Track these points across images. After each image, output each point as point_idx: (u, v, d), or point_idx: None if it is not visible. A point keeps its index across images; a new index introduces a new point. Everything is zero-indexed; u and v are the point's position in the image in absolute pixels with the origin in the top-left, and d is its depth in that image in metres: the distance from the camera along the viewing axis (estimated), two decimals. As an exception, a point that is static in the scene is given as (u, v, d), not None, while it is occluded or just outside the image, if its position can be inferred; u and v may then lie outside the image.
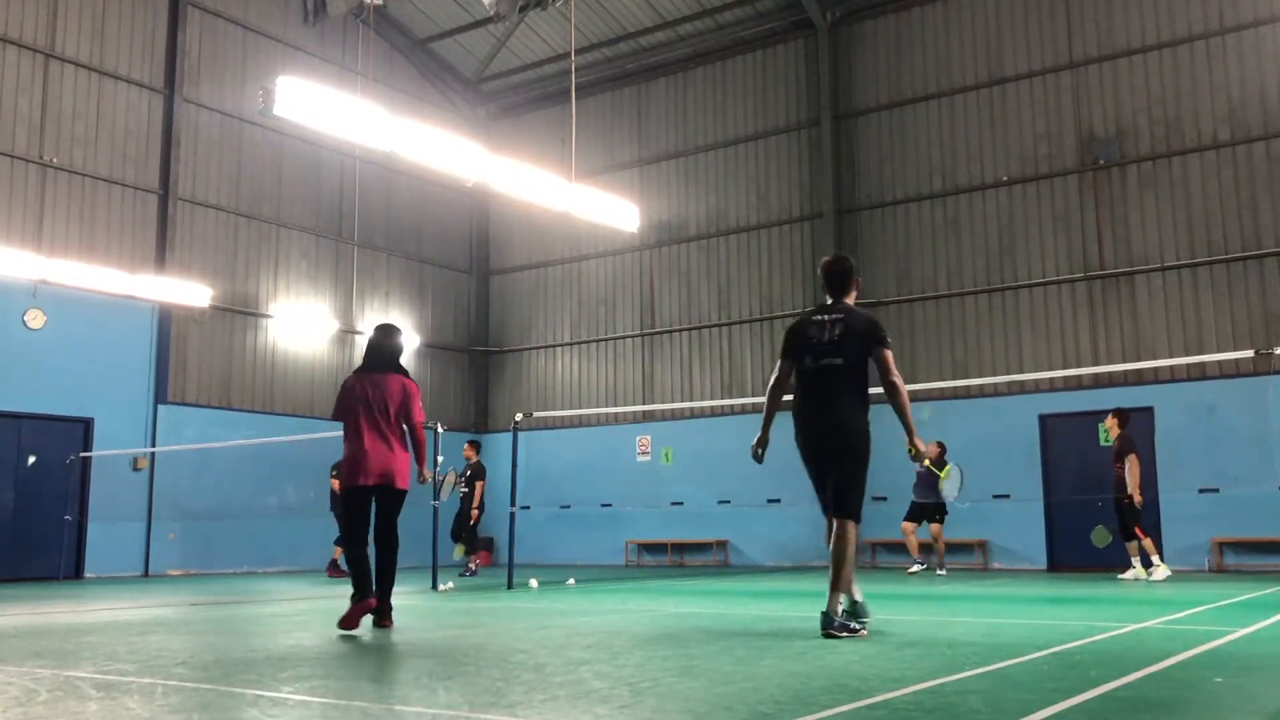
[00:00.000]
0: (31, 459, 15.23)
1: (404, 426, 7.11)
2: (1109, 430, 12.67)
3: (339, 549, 14.63)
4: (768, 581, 12.72)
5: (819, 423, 6.06)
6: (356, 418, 6.95)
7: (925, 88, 17.81)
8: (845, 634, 5.71)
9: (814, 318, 6.24)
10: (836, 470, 6.01)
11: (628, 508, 19.56)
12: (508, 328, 22.16)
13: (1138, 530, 12.12)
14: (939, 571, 14.25)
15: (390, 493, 6.96)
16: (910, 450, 6.08)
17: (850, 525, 5.91)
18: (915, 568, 14.46)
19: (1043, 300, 16.38)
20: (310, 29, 19.54)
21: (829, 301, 6.37)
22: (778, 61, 19.39)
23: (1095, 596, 9.41)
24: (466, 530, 14.78)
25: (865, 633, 5.78)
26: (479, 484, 14.71)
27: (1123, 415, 12.56)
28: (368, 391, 6.99)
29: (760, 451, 6.36)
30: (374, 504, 7.02)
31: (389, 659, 5.24)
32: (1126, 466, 12.07)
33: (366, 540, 6.94)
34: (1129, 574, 12.15)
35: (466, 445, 15.28)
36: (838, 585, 5.83)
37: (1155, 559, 12.14)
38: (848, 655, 4.96)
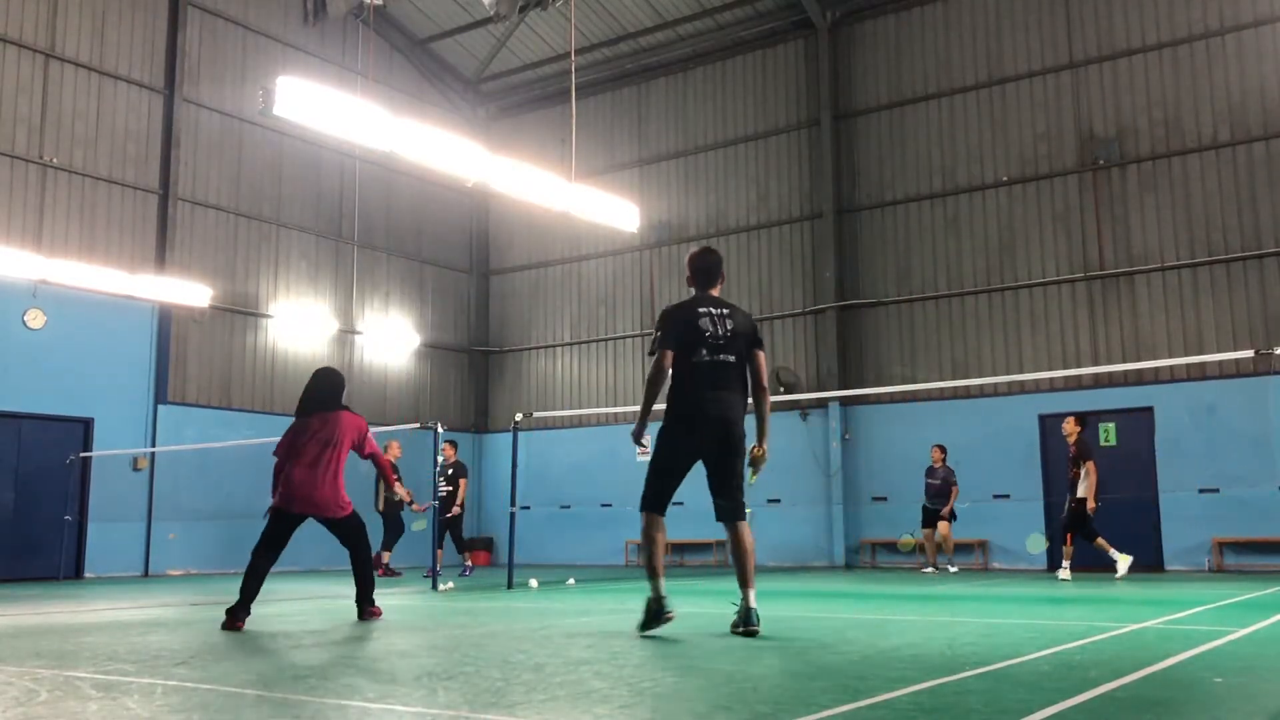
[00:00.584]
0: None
1: (358, 456, 7.54)
2: (1068, 435, 12.65)
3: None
4: (768, 581, 12.71)
5: (718, 418, 5.97)
6: (300, 448, 7.30)
7: (925, 88, 17.81)
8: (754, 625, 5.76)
9: (700, 309, 6.14)
10: (726, 473, 6.00)
11: (628, 508, 19.51)
12: (508, 328, 22.16)
13: (1069, 536, 12.34)
14: (925, 569, 14.56)
15: (329, 521, 7.38)
16: (756, 450, 6.06)
17: (746, 524, 6.02)
18: (929, 569, 14.81)
19: (1042, 300, 16.39)
20: (310, 29, 19.53)
21: (695, 293, 6.29)
22: (778, 61, 19.39)
23: (1095, 596, 9.40)
24: (453, 529, 14.82)
25: (759, 629, 5.80)
26: (462, 482, 14.82)
27: (1082, 420, 12.75)
28: (316, 429, 7.38)
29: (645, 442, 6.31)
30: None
31: (389, 659, 5.23)
32: (1083, 472, 12.21)
33: (274, 557, 7.29)
34: (1121, 569, 12.23)
35: (445, 445, 15.23)
36: (751, 581, 5.89)
37: (1067, 563, 12.38)
38: (848, 655, 4.97)
